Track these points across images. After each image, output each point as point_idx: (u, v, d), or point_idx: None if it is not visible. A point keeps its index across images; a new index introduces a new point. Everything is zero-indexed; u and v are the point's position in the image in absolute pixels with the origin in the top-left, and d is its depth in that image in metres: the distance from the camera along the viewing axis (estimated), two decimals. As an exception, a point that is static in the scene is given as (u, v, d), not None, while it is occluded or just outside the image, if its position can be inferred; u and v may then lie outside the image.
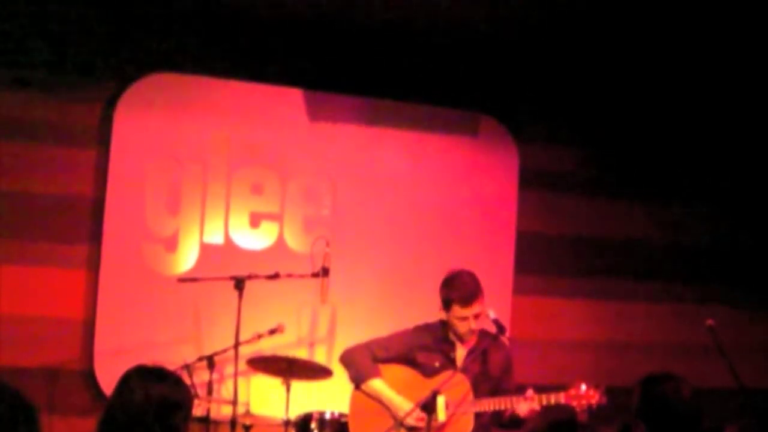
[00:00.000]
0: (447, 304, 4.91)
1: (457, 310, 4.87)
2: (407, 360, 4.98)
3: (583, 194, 6.97)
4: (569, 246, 6.90)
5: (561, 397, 4.71)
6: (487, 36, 6.42)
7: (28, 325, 5.84)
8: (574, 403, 4.67)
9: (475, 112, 6.79)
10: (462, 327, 4.89)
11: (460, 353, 4.98)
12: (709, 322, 5.00)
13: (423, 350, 4.98)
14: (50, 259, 5.96)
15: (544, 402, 4.74)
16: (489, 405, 4.80)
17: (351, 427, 4.96)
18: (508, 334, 4.90)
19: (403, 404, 4.80)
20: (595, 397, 4.67)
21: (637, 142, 7.05)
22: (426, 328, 5.07)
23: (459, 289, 4.90)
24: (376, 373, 4.94)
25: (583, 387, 4.68)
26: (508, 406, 4.78)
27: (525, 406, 4.73)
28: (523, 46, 6.54)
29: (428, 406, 4.52)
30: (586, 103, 6.93)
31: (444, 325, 5.01)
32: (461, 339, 4.95)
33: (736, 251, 7.17)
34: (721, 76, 6.70)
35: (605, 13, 5.93)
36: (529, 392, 4.74)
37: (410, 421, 4.72)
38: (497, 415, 4.90)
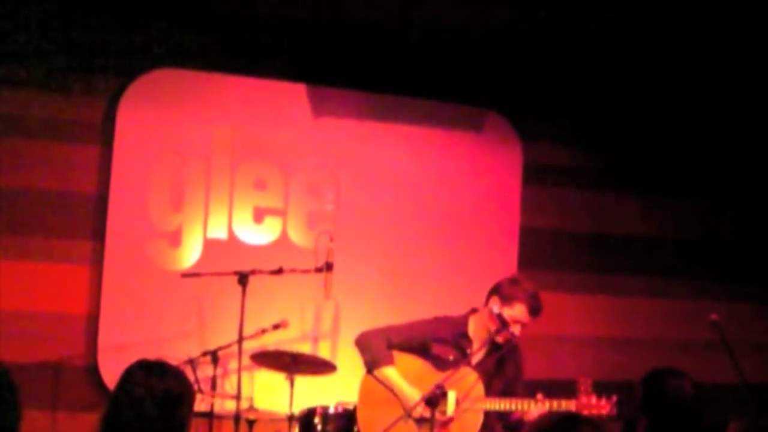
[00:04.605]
0: (510, 300, 4.84)
1: (520, 312, 4.82)
2: (422, 350, 4.96)
3: (586, 190, 6.96)
4: (572, 242, 6.91)
5: (572, 405, 4.68)
6: (491, 32, 6.41)
7: (32, 320, 5.85)
8: (584, 412, 4.64)
9: (479, 107, 6.79)
10: (497, 326, 4.83)
11: (476, 350, 4.97)
12: (714, 316, 4.99)
13: (439, 342, 4.96)
14: (54, 255, 5.97)
15: (555, 407, 4.70)
16: (500, 405, 4.77)
17: (359, 411, 4.94)
18: (510, 329, 4.89)
19: (413, 395, 4.77)
20: (606, 408, 4.64)
21: (639, 139, 7.05)
22: (446, 320, 5.05)
23: (535, 297, 4.87)
24: (390, 361, 4.92)
25: (594, 398, 4.66)
26: (519, 409, 4.76)
27: (535, 410, 4.70)
28: (528, 42, 6.52)
29: (433, 400, 4.50)
30: (589, 99, 6.92)
31: (465, 320, 4.99)
32: (490, 336, 4.89)
33: (739, 246, 7.16)
34: (721, 73, 6.69)
35: (609, 10, 5.92)
36: (539, 396, 4.72)
37: (417, 413, 4.71)
38: (503, 415, 4.90)
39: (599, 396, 4.66)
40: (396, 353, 4.96)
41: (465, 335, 4.99)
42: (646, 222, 7.08)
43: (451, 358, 4.91)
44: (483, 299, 4.97)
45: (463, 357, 4.91)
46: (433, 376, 4.78)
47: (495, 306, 4.87)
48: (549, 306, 6.58)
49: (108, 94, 6.13)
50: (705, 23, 5.97)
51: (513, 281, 4.96)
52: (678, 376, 3.68)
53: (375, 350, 4.95)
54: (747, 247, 7.17)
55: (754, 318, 6.98)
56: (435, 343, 4.96)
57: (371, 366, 4.96)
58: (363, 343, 5.03)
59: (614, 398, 4.64)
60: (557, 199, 6.93)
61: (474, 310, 5.05)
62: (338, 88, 6.51)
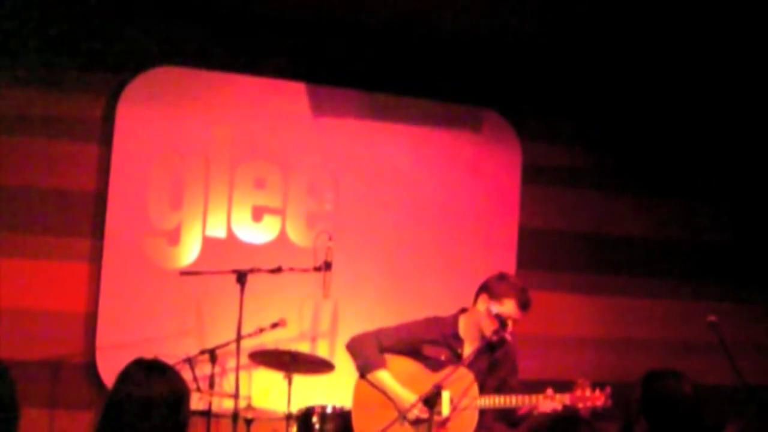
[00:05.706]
0: (499, 297, 4.86)
1: (509, 307, 4.84)
2: (413, 352, 4.98)
3: (585, 190, 6.96)
4: (571, 241, 6.90)
5: (566, 398, 4.70)
6: (490, 31, 6.42)
7: (31, 318, 5.85)
8: (579, 405, 4.65)
9: (478, 107, 6.79)
10: (496, 326, 4.84)
11: (467, 350, 4.96)
12: (711, 318, 5.00)
13: (430, 343, 4.98)
14: (53, 252, 5.97)
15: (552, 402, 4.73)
16: (496, 401, 4.78)
17: (354, 416, 4.95)
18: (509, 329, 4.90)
19: (407, 397, 4.79)
20: (600, 399, 4.66)
21: (639, 139, 7.05)
22: (436, 321, 5.06)
23: (523, 291, 4.89)
24: (383, 364, 4.93)
25: (589, 390, 4.67)
26: (513, 405, 4.76)
27: (543, 405, 4.72)
28: (526, 41, 6.53)
29: (429, 400, 4.50)
30: (588, 99, 6.93)
31: (455, 320, 5.01)
32: (482, 335, 4.91)
33: (738, 247, 7.16)
34: (723, 73, 6.70)
35: (608, 10, 5.92)
36: (549, 392, 4.73)
37: (413, 415, 4.72)
38: (507, 413, 4.90)
39: (593, 388, 4.67)
40: (388, 356, 4.97)
41: (456, 335, 5.01)
42: (644, 222, 7.07)
43: (442, 358, 4.93)
44: (479, 299, 4.98)
45: (455, 357, 4.93)
46: (426, 377, 4.80)
47: (485, 304, 4.87)
48: (547, 306, 6.64)
49: (107, 92, 6.13)
50: (705, 23, 5.97)
51: (500, 278, 4.98)
52: (676, 377, 3.68)
53: (367, 354, 4.97)
54: (746, 248, 7.17)
55: (753, 319, 6.98)
56: (426, 344, 4.98)
57: (364, 370, 4.97)
58: (354, 348, 5.04)
59: (608, 389, 4.66)
60: (556, 198, 6.93)
61: (464, 310, 5.06)
62: (338, 87, 6.51)
